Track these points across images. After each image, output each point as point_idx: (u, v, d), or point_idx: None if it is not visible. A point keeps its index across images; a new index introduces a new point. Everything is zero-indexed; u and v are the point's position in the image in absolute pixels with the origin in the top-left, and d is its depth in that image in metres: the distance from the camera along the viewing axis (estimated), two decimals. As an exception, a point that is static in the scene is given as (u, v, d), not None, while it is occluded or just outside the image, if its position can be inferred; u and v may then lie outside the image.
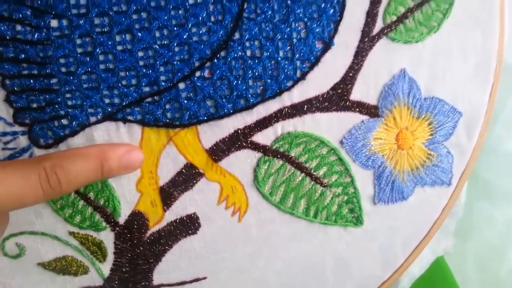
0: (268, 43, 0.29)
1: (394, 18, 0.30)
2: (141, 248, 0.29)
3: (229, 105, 0.29)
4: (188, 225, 0.30)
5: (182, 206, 0.30)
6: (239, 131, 0.29)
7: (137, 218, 0.29)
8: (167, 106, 0.29)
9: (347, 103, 0.30)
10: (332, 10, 0.29)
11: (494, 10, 0.31)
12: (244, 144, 0.30)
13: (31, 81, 0.27)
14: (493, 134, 0.44)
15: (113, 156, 0.27)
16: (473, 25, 0.31)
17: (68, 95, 0.28)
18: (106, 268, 0.29)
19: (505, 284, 0.43)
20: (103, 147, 0.27)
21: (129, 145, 0.28)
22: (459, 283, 0.42)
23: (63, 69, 0.27)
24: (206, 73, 0.29)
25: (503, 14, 0.31)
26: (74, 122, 0.28)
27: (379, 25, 0.30)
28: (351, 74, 0.30)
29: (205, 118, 0.29)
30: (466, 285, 0.42)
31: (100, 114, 0.28)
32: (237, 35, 0.29)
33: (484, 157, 0.44)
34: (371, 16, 0.30)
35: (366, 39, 0.30)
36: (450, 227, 0.36)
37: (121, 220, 0.29)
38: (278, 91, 0.29)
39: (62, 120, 0.28)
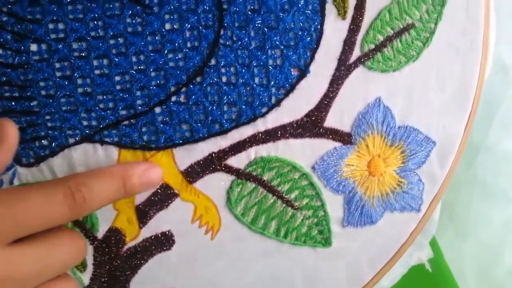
0: (243, 70, 0.29)
1: (372, 46, 0.30)
2: (118, 261, 0.31)
3: (204, 130, 0.30)
4: (163, 241, 0.31)
5: (157, 224, 0.31)
6: (213, 154, 0.30)
7: (115, 234, 0.31)
8: (143, 129, 0.29)
9: (321, 130, 0.31)
10: (309, 38, 0.29)
11: (477, 40, 0.30)
12: (218, 167, 0.31)
13: (13, 103, 0.28)
14: (490, 133, 0.44)
15: (135, 174, 0.27)
16: (453, 55, 0.30)
17: (48, 117, 0.29)
18: (86, 277, 0.31)
19: (503, 284, 0.43)
20: (126, 166, 0.28)
21: (149, 163, 0.29)
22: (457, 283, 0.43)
23: (43, 92, 0.28)
24: (182, 98, 0.29)
25: (487, 44, 0.30)
26: (53, 143, 0.29)
27: (356, 53, 0.30)
28: (326, 102, 0.30)
29: (181, 141, 0.30)
30: (463, 285, 0.43)
31: (78, 136, 0.29)
32: (213, 61, 0.29)
33: (481, 157, 0.44)
34: (348, 45, 0.30)
35: (343, 68, 0.30)
36: (424, 242, 0.37)
37: (100, 235, 0.31)
38: (252, 117, 0.30)
39: (42, 141, 0.29)
